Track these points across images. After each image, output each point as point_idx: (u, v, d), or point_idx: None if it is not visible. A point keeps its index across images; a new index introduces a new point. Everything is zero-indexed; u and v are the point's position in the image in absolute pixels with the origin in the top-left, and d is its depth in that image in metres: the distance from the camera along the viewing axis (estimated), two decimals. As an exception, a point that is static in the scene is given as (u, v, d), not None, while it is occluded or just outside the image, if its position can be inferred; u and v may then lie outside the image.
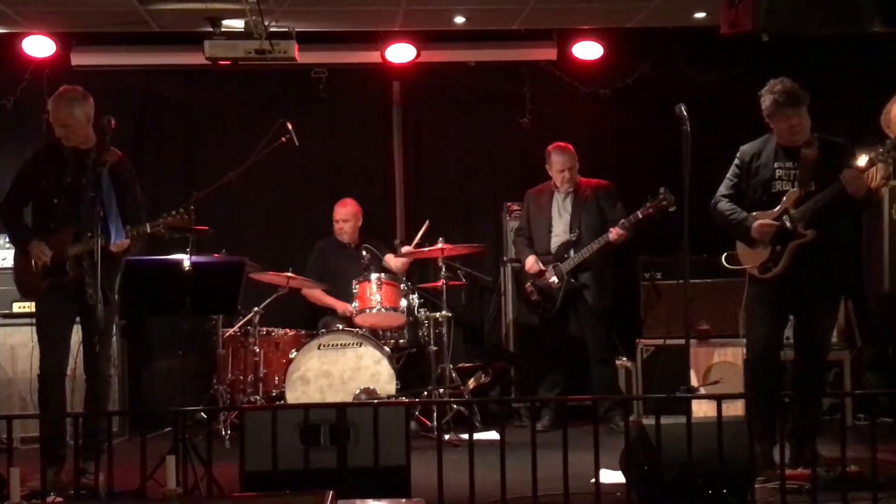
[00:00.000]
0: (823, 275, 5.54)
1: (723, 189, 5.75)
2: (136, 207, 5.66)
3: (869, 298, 6.97)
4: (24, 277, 5.66)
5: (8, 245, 7.18)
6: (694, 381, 6.69)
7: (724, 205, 5.71)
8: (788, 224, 5.51)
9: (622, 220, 6.99)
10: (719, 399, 4.56)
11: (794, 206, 5.52)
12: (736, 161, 5.74)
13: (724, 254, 5.70)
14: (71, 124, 5.58)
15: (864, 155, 5.92)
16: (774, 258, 5.56)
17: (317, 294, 7.62)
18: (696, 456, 4.43)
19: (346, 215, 7.72)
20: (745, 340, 5.85)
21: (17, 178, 5.84)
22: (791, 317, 5.79)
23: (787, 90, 5.49)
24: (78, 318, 5.64)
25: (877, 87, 7.23)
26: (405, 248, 7.70)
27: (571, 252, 7.20)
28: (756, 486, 4.76)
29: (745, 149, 5.74)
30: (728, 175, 5.76)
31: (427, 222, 7.65)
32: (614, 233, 6.99)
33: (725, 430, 4.46)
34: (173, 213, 5.53)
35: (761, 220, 5.56)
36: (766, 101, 5.55)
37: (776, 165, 5.60)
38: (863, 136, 6.44)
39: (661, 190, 6.76)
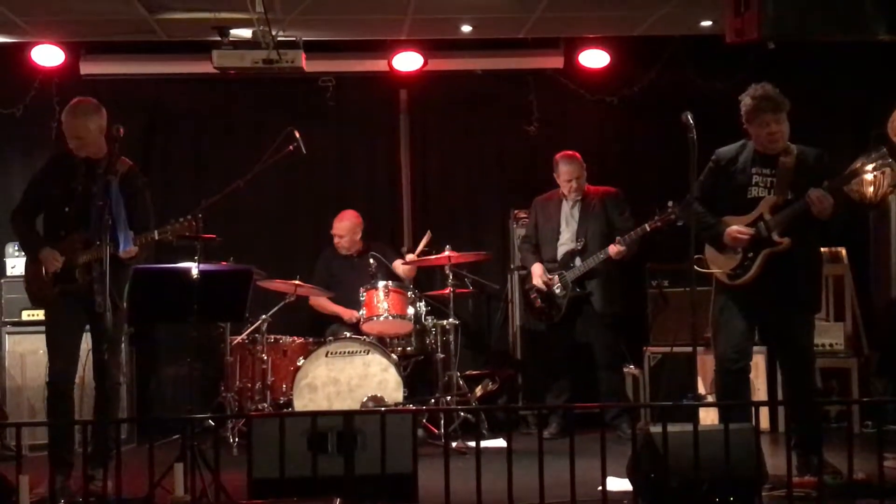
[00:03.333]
0: (793, 284, 5.43)
1: (696, 191, 5.54)
2: (145, 216, 5.68)
3: (875, 305, 6.98)
4: (35, 285, 5.68)
5: (17, 253, 7.24)
6: (701, 389, 6.70)
7: (697, 207, 5.49)
8: (764, 231, 5.41)
9: (618, 238, 6.97)
10: (726, 406, 4.56)
11: (770, 212, 5.43)
12: (710, 164, 5.61)
13: (696, 256, 5.47)
14: (84, 136, 5.60)
15: (869, 163, 5.93)
16: (746, 264, 5.46)
17: (322, 302, 7.63)
18: (703, 463, 4.43)
19: (341, 230, 7.71)
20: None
21: (29, 186, 5.88)
22: (758, 327, 5.70)
23: (767, 95, 5.39)
24: (88, 326, 5.66)
25: (883, 95, 7.25)
26: (409, 257, 7.71)
27: (577, 260, 7.20)
28: (763, 493, 4.77)
29: (722, 152, 5.63)
30: (702, 177, 5.60)
31: (428, 233, 7.64)
32: (613, 249, 6.98)
33: (732, 438, 4.46)
34: (181, 220, 5.55)
35: (735, 227, 5.45)
36: (745, 104, 5.45)
37: (753, 171, 5.50)
38: (868, 143, 6.45)
39: (670, 203, 6.73)
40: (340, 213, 7.78)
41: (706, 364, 7.11)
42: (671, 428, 4.55)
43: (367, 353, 6.94)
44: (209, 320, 6.46)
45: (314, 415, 5.26)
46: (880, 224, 7.56)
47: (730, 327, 5.51)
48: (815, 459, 5.00)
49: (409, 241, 8.32)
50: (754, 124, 5.44)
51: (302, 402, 6.84)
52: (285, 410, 6.90)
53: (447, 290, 7.33)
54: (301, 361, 6.97)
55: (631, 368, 7.67)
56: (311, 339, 7.35)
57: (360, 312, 7.20)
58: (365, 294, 7.20)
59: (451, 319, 7.31)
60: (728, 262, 5.51)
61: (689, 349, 5.59)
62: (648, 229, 6.88)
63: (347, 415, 5.19)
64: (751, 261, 5.43)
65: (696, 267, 5.40)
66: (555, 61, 8.22)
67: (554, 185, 7.41)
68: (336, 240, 7.74)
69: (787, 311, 5.46)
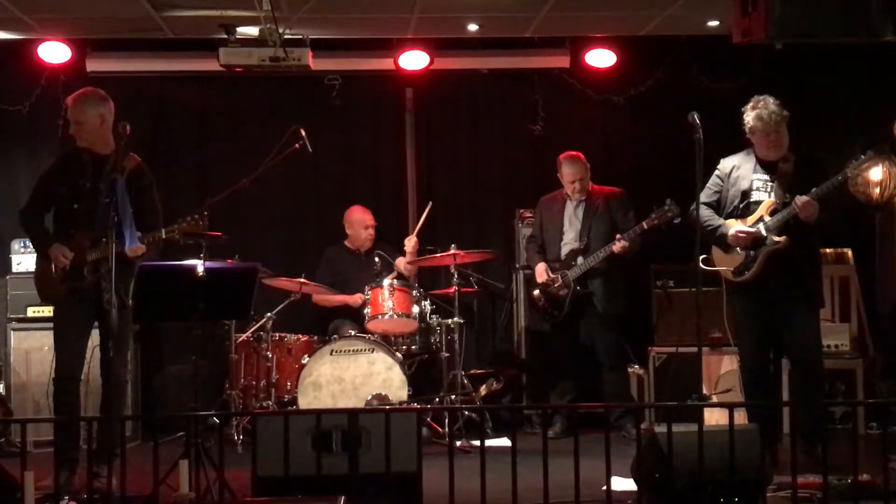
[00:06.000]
0: (795, 280, 5.85)
1: (702, 197, 5.99)
2: (153, 213, 5.69)
3: (881, 307, 6.98)
4: (44, 282, 5.70)
5: (23, 250, 7.25)
6: (706, 389, 6.69)
7: (703, 211, 5.97)
8: (763, 231, 5.82)
9: (625, 233, 6.98)
10: (731, 407, 4.56)
11: (769, 214, 5.86)
12: (716, 172, 6.07)
13: (702, 256, 5.89)
14: (83, 122, 5.65)
15: (876, 167, 6.02)
16: (748, 262, 5.89)
17: (326, 296, 7.61)
18: (708, 464, 4.43)
19: (370, 220, 7.76)
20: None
21: (38, 184, 5.91)
22: (769, 325, 5.98)
23: (767, 108, 5.79)
24: (96, 323, 5.68)
25: (888, 95, 7.25)
26: (408, 240, 7.69)
27: (579, 259, 7.20)
28: (767, 494, 4.76)
29: (726, 161, 6.08)
30: (708, 184, 6.06)
31: (430, 204, 7.67)
32: (618, 245, 6.98)
33: (737, 439, 4.46)
34: (188, 218, 5.56)
35: (737, 227, 5.89)
36: (747, 117, 5.86)
37: (755, 177, 5.95)
38: (874, 143, 6.47)
39: (667, 201, 6.77)
40: (358, 205, 7.82)
41: (711, 364, 7.12)
42: (676, 428, 4.54)
43: (372, 352, 6.94)
44: (214, 318, 6.46)
45: (319, 413, 5.26)
46: (886, 225, 7.56)
47: (748, 326, 6.01)
48: (820, 448, 5.05)
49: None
50: (756, 135, 5.87)
51: (306, 401, 6.85)
52: (290, 408, 6.91)
53: (452, 289, 7.33)
54: (306, 359, 6.98)
55: (635, 368, 7.66)
56: (315, 338, 7.36)
57: (366, 311, 7.20)
58: (370, 292, 7.20)
59: (455, 318, 7.32)
60: (733, 261, 5.94)
61: (694, 349, 5.62)
62: (646, 227, 6.89)
63: (352, 413, 5.20)
64: (753, 259, 5.87)
65: (701, 265, 5.81)
66: (561, 61, 8.21)
67: (559, 184, 7.41)
68: (369, 231, 7.75)
69: (792, 305, 5.87)
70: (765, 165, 5.92)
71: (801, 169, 5.87)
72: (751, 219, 5.89)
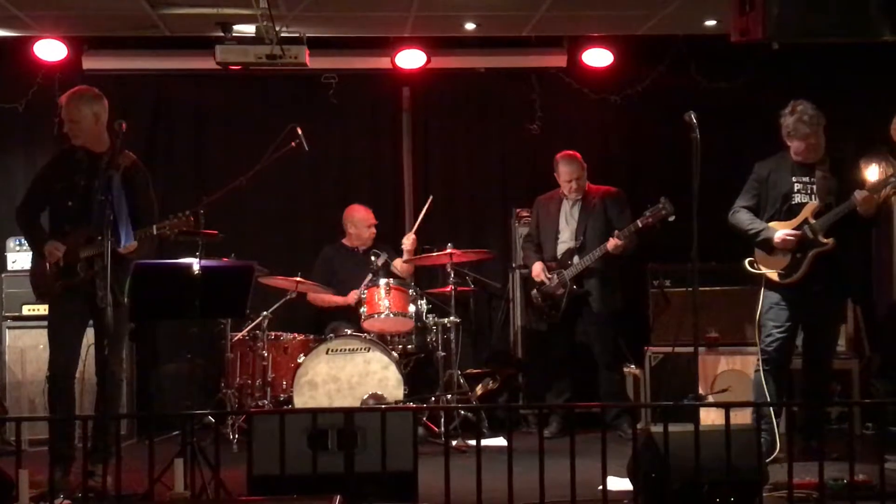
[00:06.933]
0: (838, 281, 6.01)
1: (741, 201, 6.18)
2: (148, 211, 5.69)
3: (878, 307, 7.00)
4: (39, 279, 5.70)
5: (18, 248, 7.25)
6: (702, 389, 6.69)
7: (744, 215, 6.16)
8: (809, 234, 5.95)
9: (616, 231, 6.98)
10: (727, 407, 4.55)
11: (812, 216, 5.98)
12: (753, 176, 6.21)
13: (747, 259, 6.11)
14: (78, 121, 5.64)
15: (874, 165, 6.05)
16: (794, 265, 5.99)
17: (320, 295, 7.60)
18: (704, 464, 4.43)
19: (374, 219, 7.73)
20: (754, 349, 6.14)
21: (34, 182, 5.93)
22: (800, 323, 6.10)
23: (807, 112, 5.93)
24: (91, 321, 5.66)
25: (886, 96, 7.25)
26: (407, 238, 7.68)
27: (575, 259, 7.19)
28: (764, 494, 4.76)
29: (761, 165, 6.23)
30: (745, 188, 6.20)
31: (430, 199, 7.67)
32: (612, 243, 6.98)
33: (733, 439, 4.45)
34: (179, 215, 5.55)
35: (784, 231, 5.99)
36: (787, 121, 5.98)
37: (794, 180, 6.06)
38: (872, 144, 6.49)
39: (661, 199, 6.77)
40: (359, 205, 7.79)
41: (707, 364, 7.12)
42: (672, 428, 4.54)
43: (368, 351, 6.93)
44: (210, 316, 6.44)
45: (315, 412, 5.26)
46: (882, 226, 7.56)
47: (777, 323, 6.04)
48: (816, 443, 5.08)
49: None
50: (794, 138, 5.98)
51: (302, 400, 6.83)
52: (286, 407, 6.90)
53: (449, 289, 7.32)
54: (302, 358, 6.97)
55: (632, 368, 7.66)
56: (311, 337, 7.34)
57: (362, 310, 7.19)
58: (366, 292, 7.19)
59: (452, 318, 7.30)
60: (778, 263, 6.05)
61: (691, 349, 5.60)
62: (640, 225, 6.88)
63: (348, 412, 5.19)
64: (799, 261, 5.98)
65: (748, 268, 6.07)
66: (558, 60, 8.19)
67: (556, 183, 7.40)
68: (371, 231, 7.72)
69: (828, 309, 6.13)
70: (802, 168, 6.05)
71: (838, 169, 6.04)
72: (794, 221, 6.01)
